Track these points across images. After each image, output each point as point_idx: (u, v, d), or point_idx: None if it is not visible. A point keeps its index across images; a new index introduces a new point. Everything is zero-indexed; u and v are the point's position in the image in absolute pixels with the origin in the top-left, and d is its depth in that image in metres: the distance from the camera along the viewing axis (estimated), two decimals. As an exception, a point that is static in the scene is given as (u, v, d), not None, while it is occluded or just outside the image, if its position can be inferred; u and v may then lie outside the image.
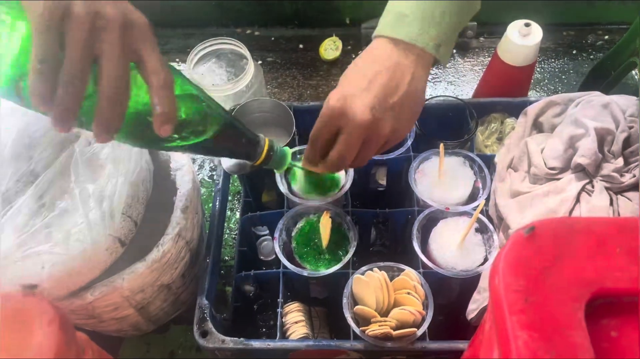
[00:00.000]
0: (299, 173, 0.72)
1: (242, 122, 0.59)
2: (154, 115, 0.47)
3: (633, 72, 1.06)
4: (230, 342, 0.66)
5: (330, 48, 1.15)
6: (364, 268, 0.69)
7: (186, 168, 0.73)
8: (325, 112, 0.59)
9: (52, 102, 0.43)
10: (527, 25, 0.87)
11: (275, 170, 0.70)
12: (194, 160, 1.04)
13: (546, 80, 1.13)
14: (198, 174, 1.03)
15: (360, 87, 0.58)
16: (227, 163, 0.79)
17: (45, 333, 0.44)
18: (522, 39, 0.87)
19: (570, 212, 0.64)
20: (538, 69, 1.14)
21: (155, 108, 0.47)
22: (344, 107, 0.58)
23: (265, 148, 0.60)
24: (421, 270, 0.69)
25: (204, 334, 0.67)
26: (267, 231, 0.84)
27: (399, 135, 0.62)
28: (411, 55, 0.59)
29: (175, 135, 0.52)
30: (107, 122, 0.45)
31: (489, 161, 0.78)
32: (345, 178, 0.76)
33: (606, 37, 1.18)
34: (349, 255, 0.70)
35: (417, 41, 0.59)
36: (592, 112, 0.69)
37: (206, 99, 0.54)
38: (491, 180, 0.74)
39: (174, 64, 1.18)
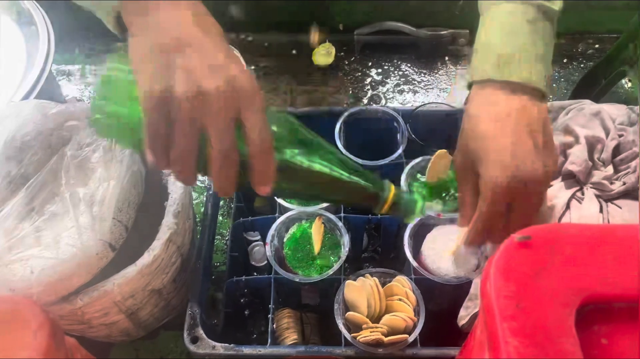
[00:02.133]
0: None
1: (365, 172, 0.55)
2: (251, 176, 0.48)
3: (623, 81, 1.07)
4: (220, 348, 0.66)
5: (323, 54, 1.15)
6: (355, 274, 0.69)
7: (178, 172, 0.73)
8: (496, 192, 0.56)
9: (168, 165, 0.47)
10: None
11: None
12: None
13: (537, 88, 1.14)
14: (190, 179, 1.02)
15: (509, 148, 0.56)
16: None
17: (34, 337, 0.43)
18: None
19: (560, 219, 0.65)
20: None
21: (253, 170, 0.48)
22: (512, 179, 0.55)
23: (389, 199, 0.55)
24: (413, 276, 0.69)
25: (195, 340, 0.67)
26: (259, 237, 0.84)
27: (552, 177, 0.59)
28: (527, 96, 0.58)
29: (286, 189, 0.53)
30: (222, 188, 0.48)
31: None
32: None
33: (597, 45, 1.19)
34: (341, 261, 0.70)
35: (531, 80, 0.57)
36: (582, 120, 0.70)
37: (325, 155, 0.52)
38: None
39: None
